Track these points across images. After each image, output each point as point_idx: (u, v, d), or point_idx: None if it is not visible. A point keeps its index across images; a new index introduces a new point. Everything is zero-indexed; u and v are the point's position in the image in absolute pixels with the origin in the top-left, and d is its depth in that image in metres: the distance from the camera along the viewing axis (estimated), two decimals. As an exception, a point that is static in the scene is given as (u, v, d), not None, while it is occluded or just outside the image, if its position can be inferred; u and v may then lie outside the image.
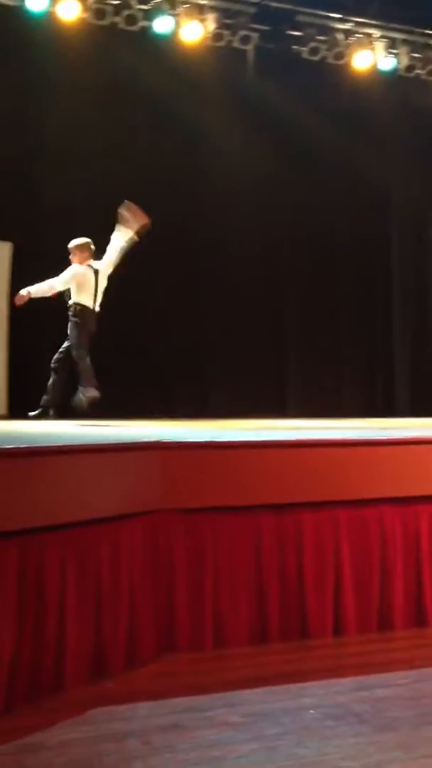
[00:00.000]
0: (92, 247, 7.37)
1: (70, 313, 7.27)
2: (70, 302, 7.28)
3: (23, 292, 7.17)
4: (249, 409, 9.25)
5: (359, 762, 2.78)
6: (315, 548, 4.22)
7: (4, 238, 8.57)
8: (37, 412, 7.12)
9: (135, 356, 9.28)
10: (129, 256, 8.59)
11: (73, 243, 7.35)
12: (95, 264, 7.36)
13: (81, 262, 7.30)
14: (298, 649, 4.05)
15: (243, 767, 2.73)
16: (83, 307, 7.25)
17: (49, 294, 7.23)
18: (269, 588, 4.08)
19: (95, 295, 7.31)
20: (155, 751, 2.79)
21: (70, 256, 7.33)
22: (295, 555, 4.17)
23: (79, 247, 7.32)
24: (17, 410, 7.77)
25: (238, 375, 9.83)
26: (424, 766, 2.76)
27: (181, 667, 3.70)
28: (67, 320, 7.26)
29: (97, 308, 7.31)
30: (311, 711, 3.22)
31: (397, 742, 2.96)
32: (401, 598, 4.40)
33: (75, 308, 7.24)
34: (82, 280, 7.29)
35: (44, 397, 7.19)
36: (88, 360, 7.24)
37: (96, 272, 7.34)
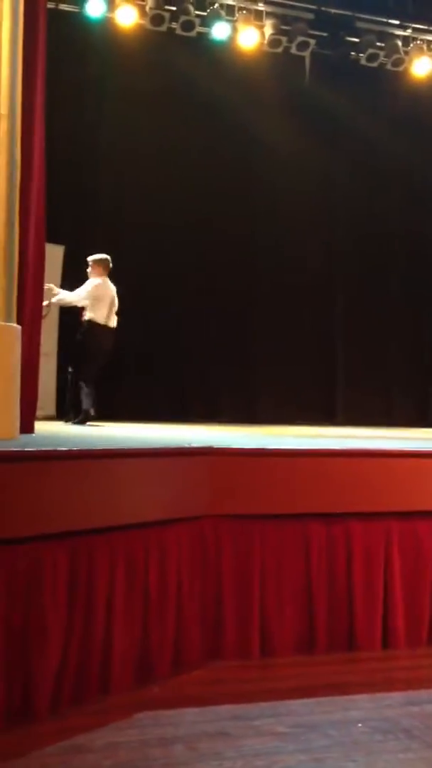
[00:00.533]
0: (110, 264, 7.35)
1: (81, 328, 7.22)
2: (84, 318, 7.23)
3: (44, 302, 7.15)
4: (296, 416, 9.22)
5: (408, 778, 2.73)
6: (365, 559, 4.16)
7: (58, 242, 8.66)
8: (79, 418, 7.12)
9: (183, 360, 9.31)
10: (183, 261, 8.63)
11: (93, 258, 7.33)
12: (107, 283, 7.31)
13: (99, 277, 7.27)
14: (346, 660, 3.99)
15: (289, 779, 2.70)
16: (95, 324, 7.20)
17: (72, 304, 7.18)
18: (317, 598, 4.04)
19: (110, 312, 7.26)
20: (201, 758, 2.77)
21: (88, 270, 7.30)
22: (344, 565, 4.12)
23: (98, 261, 7.30)
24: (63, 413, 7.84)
25: (286, 381, 9.79)
26: (474, 786, 2.70)
27: (227, 675, 3.67)
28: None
29: (113, 324, 7.25)
30: (359, 724, 3.17)
31: (447, 759, 2.90)
32: (453, 612, 4.33)
33: (86, 325, 7.20)
34: (101, 295, 7.25)
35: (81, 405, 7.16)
36: (87, 379, 7.11)
37: (115, 289, 7.32)
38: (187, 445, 3.99)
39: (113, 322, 7.29)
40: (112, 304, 7.30)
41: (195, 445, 4.04)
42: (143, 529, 3.52)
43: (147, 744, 2.86)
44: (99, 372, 7.26)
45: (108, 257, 7.38)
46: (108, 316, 7.25)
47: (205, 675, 3.64)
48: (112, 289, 7.34)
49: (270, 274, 9.78)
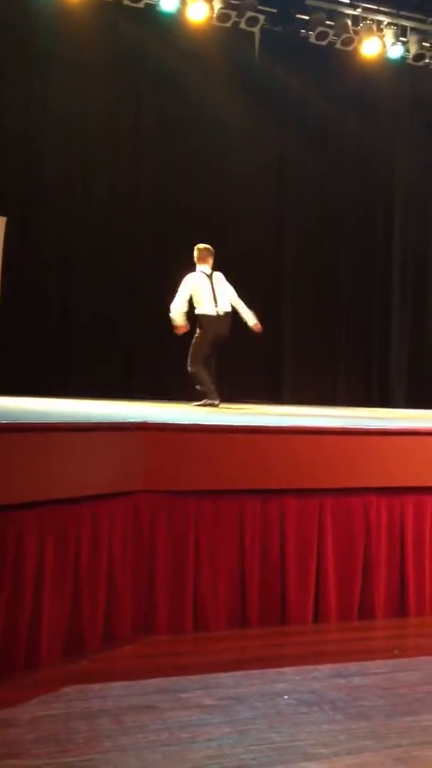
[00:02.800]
0: (208, 252, 7.48)
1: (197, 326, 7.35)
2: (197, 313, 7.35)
3: (180, 323, 7.29)
4: (242, 394, 9.24)
5: (329, 749, 2.78)
6: (298, 535, 4.21)
7: (1, 213, 8.52)
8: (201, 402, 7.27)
9: (130, 337, 9.26)
10: (132, 235, 8.62)
11: (198, 246, 7.50)
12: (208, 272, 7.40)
13: (199, 265, 7.41)
14: (278, 634, 4.05)
15: (213, 750, 2.73)
16: (203, 316, 7.33)
17: (184, 310, 7.29)
18: (251, 573, 4.08)
19: (214, 299, 7.32)
20: (126, 731, 2.79)
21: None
22: (278, 541, 4.17)
23: (199, 250, 7.47)
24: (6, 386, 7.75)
25: (232, 359, 9.78)
26: (393, 755, 2.76)
27: (158, 649, 3.69)
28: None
29: (220, 311, 7.32)
30: (285, 696, 3.21)
31: (368, 730, 2.95)
32: (383, 587, 4.41)
33: (198, 321, 7.35)
34: (196, 288, 7.32)
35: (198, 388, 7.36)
36: (203, 368, 7.36)
37: (210, 276, 7.39)
38: (122, 420, 3.97)
39: (220, 308, 7.34)
40: (213, 291, 7.36)
41: (131, 420, 4.02)
42: (76, 504, 3.51)
43: (72, 717, 2.87)
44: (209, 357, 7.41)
45: (204, 246, 7.49)
46: (213, 304, 7.31)
47: (136, 649, 3.65)
48: (207, 276, 7.43)
49: (219, 251, 9.74)
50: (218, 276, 7.49)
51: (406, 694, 3.34)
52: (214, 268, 7.46)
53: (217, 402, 7.29)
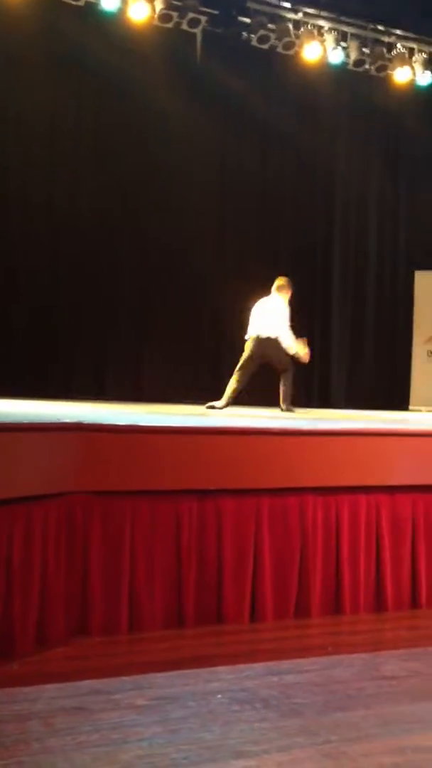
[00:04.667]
0: (278, 283, 7.87)
1: None
2: None
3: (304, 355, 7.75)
4: (184, 395, 9.25)
5: (260, 746, 2.80)
6: (235, 535, 4.23)
7: None
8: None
9: (70, 336, 9.19)
10: (72, 234, 8.59)
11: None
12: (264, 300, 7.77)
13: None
14: (214, 634, 4.06)
15: (143, 749, 2.72)
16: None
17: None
18: (187, 573, 4.09)
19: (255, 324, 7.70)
20: (56, 733, 2.76)
21: None
22: (214, 541, 4.18)
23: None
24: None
25: (175, 359, 9.80)
26: (323, 751, 2.79)
27: (92, 651, 3.68)
28: None
29: (253, 335, 7.68)
30: (218, 695, 3.22)
31: (300, 727, 2.98)
32: (319, 586, 4.46)
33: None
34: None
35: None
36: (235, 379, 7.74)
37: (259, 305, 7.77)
38: (56, 421, 3.95)
39: (254, 333, 7.70)
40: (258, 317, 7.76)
41: (65, 420, 4.00)
42: (8, 505, 3.47)
43: (1, 720, 2.83)
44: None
45: (280, 279, 7.91)
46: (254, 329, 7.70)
47: (69, 651, 3.63)
48: (260, 304, 7.81)
49: (160, 250, 9.74)
50: (267, 300, 7.86)
51: (338, 690, 3.38)
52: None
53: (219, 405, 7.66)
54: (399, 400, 10.61)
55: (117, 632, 3.85)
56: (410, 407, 10.58)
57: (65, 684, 3.22)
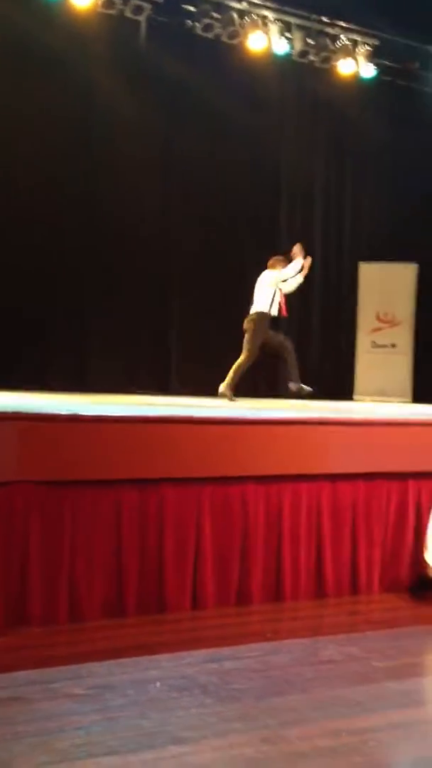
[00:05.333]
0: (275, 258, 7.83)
1: None
2: None
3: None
4: (130, 385, 9.20)
5: (197, 732, 2.82)
6: (176, 524, 4.24)
7: None
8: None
9: (14, 324, 9.05)
10: (16, 222, 8.49)
11: None
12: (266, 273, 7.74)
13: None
14: (155, 622, 4.07)
15: (81, 738, 2.73)
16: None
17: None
18: (128, 562, 4.09)
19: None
20: (-8, 724, 2.75)
21: None
22: (156, 530, 4.19)
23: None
24: None
25: (120, 349, 9.73)
26: (260, 736, 2.82)
27: (31, 641, 3.66)
28: None
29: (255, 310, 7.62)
30: (158, 683, 3.24)
31: (238, 712, 3.01)
32: (260, 573, 4.50)
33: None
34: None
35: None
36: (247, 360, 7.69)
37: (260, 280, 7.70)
38: (-6, 411, 3.91)
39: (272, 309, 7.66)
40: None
41: (4, 410, 3.96)
42: None
43: None
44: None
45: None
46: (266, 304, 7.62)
47: (8, 642, 3.61)
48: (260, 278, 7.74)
49: (105, 237, 9.63)
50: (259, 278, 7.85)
51: (276, 675, 3.42)
52: None
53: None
54: (344, 391, 10.69)
55: (56, 622, 3.84)
56: (354, 397, 10.68)
57: (2, 675, 3.20)
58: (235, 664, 3.51)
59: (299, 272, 7.78)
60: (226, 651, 3.66)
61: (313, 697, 3.19)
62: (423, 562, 4.68)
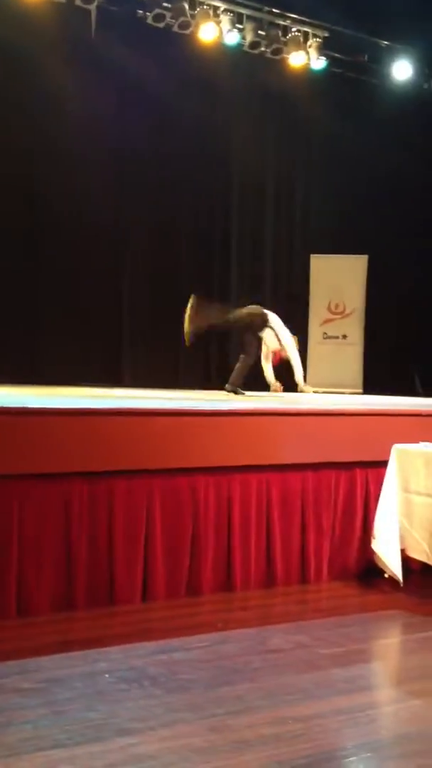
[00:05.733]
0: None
1: None
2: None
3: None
4: (82, 377, 9.15)
5: (145, 723, 2.84)
6: (126, 517, 4.24)
7: None
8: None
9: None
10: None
11: None
12: None
13: None
14: (105, 615, 4.07)
15: (28, 732, 2.72)
16: None
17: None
18: (77, 556, 4.08)
19: None
20: None
21: None
22: (105, 523, 4.19)
23: None
24: None
25: (72, 341, 9.66)
26: (208, 725, 2.85)
27: (-22, 636, 3.64)
28: None
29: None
30: (106, 675, 3.25)
31: (186, 703, 3.04)
32: (210, 564, 4.52)
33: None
34: None
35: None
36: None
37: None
38: None
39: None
40: None
41: None
42: None
43: None
44: None
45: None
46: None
47: None
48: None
49: (54, 229, 9.56)
50: None
51: (225, 665, 3.45)
52: None
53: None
54: (296, 382, 10.78)
55: (4, 617, 3.82)
56: (305, 388, 10.75)
57: None
58: (184, 654, 3.53)
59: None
60: (175, 642, 3.68)
61: (261, 685, 3.22)
62: (371, 551, 4.75)
